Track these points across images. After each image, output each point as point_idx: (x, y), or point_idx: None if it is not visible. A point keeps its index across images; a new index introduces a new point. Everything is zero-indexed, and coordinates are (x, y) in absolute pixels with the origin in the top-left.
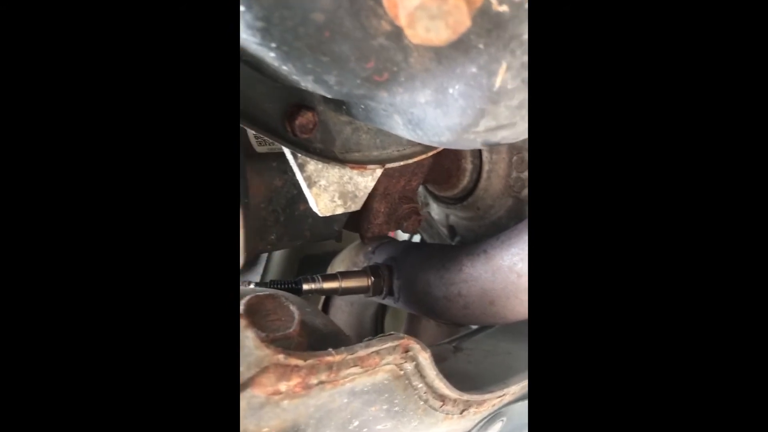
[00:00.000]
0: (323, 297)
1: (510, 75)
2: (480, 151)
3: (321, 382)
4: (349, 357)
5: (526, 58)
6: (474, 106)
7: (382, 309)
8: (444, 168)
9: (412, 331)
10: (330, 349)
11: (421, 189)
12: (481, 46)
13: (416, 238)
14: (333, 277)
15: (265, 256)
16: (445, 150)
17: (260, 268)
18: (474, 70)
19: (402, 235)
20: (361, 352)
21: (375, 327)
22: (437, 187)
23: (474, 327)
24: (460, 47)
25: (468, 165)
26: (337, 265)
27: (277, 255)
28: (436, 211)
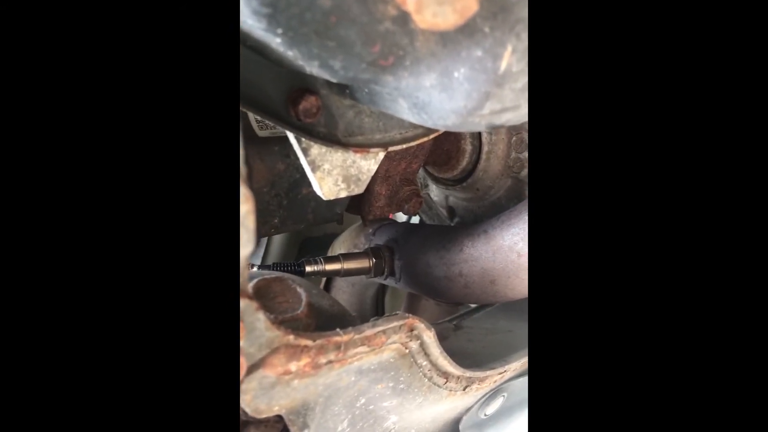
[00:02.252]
0: (325, 278)
1: (515, 58)
2: (479, 132)
3: (329, 362)
4: (357, 336)
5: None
6: (479, 89)
7: (382, 289)
8: (444, 150)
9: (412, 311)
10: (338, 329)
11: (420, 170)
12: (486, 29)
13: (415, 219)
14: (335, 259)
15: (265, 239)
16: (445, 132)
17: (261, 251)
18: (479, 53)
19: (401, 217)
20: (368, 332)
21: (376, 307)
22: (437, 168)
23: (473, 306)
24: (465, 31)
25: (467, 146)
26: (338, 247)
27: (278, 238)
28: (435, 192)
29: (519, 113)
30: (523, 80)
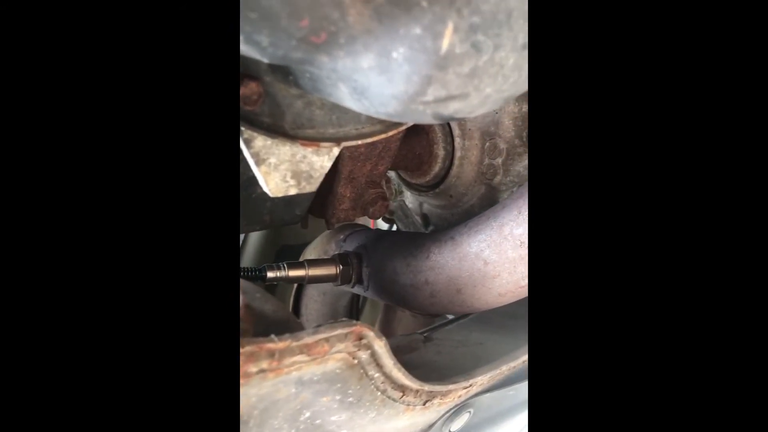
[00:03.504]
0: (295, 287)
1: (457, 38)
2: (452, 137)
3: (262, 371)
4: (294, 344)
5: (474, 20)
6: (420, 72)
7: (358, 299)
8: (416, 154)
9: (387, 322)
10: (272, 336)
11: (395, 176)
12: (424, 3)
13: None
14: (300, 265)
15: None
16: (416, 135)
17: None
18: (418, 31)
19: (381, 225)
20: (308, 339)
21: (349, 317)
22: (410, 174)
23: (449, 317)
24: (401, 4)
25: (440, 151)
26: (309, 254)
27: (253, 245)
28: (410, 199)
29: (468, 103)
30: (470, 65)
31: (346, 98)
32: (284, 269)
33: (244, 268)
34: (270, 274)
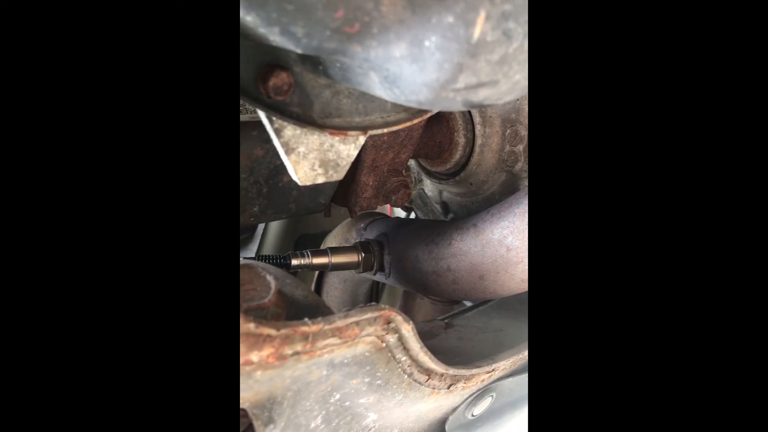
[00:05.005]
0: (316, 274)
1: (489, 25)
2: (473, 124)
3: (296, 353)
4: (327, 327)
5: (506, 7)
6: (451, 60)
7: (377, 286)
8: (436, 142)
9: (407, 309)
10: (306, 319)
11: (414, 165)
12: None
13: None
14: (323, 253)
15: (260, 234)
16: (437, 123)
17: (254, 246)
18: (450, 19)
19: (399, 213)
20: (339, 323)
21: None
22: (430, 162)
23: (468, 304)
24: None
25: (461, 139)
26: (330, 242)
27: (273, 234)
28: (429, 187)
29: (498, 90)
30: (500, 52)
31: (377, 87)
32: (308, 257)
33: (269, 255)
34: (294, 262)
